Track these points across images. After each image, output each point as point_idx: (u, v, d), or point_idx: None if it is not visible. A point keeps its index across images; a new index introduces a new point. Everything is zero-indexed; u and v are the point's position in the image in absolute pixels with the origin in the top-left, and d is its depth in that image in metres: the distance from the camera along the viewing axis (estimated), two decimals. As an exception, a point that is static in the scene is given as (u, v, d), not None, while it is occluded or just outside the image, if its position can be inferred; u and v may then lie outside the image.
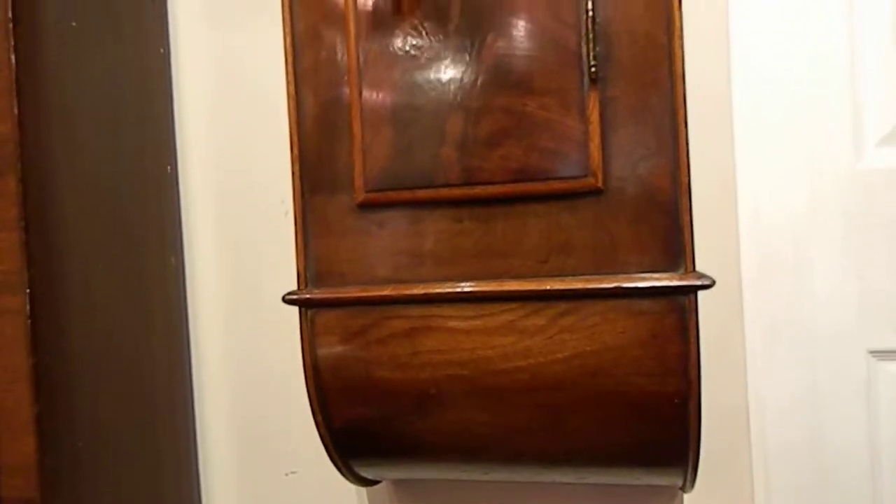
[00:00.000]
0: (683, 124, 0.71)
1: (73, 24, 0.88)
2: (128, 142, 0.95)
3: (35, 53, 0.82)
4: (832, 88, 0.94)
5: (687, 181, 0.71)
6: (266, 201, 0.93)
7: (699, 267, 0.73)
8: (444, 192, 0.75)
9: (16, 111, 0.79)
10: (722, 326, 0.94)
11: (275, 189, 0.91)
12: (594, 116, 0.71)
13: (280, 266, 0.90)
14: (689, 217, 0.72)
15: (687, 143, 0.71)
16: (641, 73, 0.71)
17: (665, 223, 0.72)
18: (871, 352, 0.93)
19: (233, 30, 0.92)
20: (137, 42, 0.98)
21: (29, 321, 0.80)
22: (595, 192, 0.72)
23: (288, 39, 0.79)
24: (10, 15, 0.79)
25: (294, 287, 0.81)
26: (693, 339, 0.71)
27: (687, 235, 0.72)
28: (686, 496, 0.93)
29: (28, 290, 0.80)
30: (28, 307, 0.80)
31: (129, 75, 0.95)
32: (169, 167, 1.01)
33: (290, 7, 0.79)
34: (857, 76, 0.94)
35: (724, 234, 0.94)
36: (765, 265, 0.95)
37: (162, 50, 1.02)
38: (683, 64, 0.71)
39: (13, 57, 0.79)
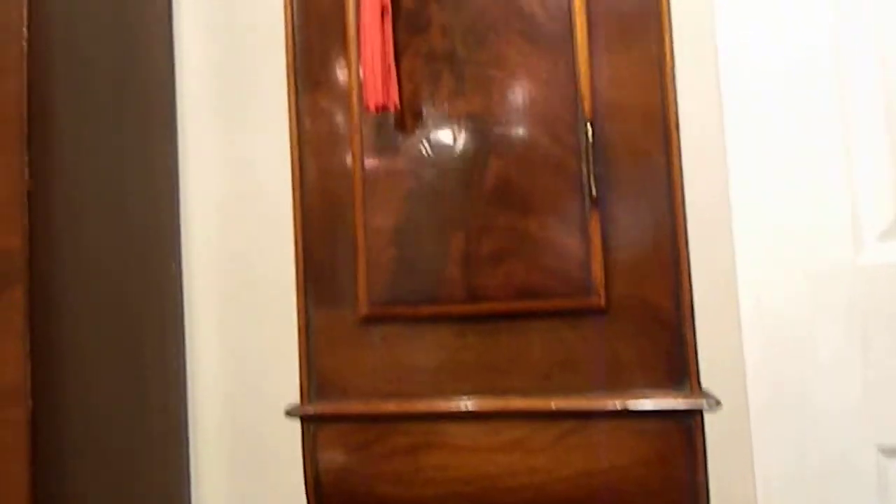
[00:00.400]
0: (684, 243, 0.72)
1: (87, 132, 0.90)
2: (135, 243, 0.96)
3: (49, 166, 0.84)
4: (829, 186, 0.95)
5: (689, 300, 0.72)
6: (270, 304, 0.93)
7: (703, 369, 0.72)
8: (448, 309, 0.75)
9: (26, 224, 0.81)
10: (728, 426, 0.93)
11: (279, 292, 0.91)
12: (595, 236, 0.72)
13: (283, 368, 0.90)
14: (692, 335, 0.72)
15: (688, 262, 0.72)
16: (641, 193, 0.72)
17: (669, 341, 0.72)
18: (882, 449, 0.92)
19: (241, 134, 0.94)
20: (146, 144, 1.00)
21: (30, 432, 0.80)
22: (598, 311, 0.72)
23: (295, 150, 0.81)
24: (25, 129, 0.82)
25: (296, 389, 0.80)
26: (700, 462, 0.70)
27: (691, 353, 0.72)
28: None
29: (31, 402, 0.80)
30: (30, 419, 0.79)
31: (137, 177, 0.97)
32: (174, 264, 1.02)
33: (298, 118, 0.81)
34: (853, 172, 0.95)
35: (728, 333, 0.93)
36: (769, 364, 0.95)
37: (170, 151, 1.04)
38: (682, 183, 0.72)
39: (27, 171, 0.82)
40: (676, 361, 0.72)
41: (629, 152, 0.73)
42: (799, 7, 0.94)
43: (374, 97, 0.71)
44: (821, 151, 0.96)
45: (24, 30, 0.82)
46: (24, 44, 0.82)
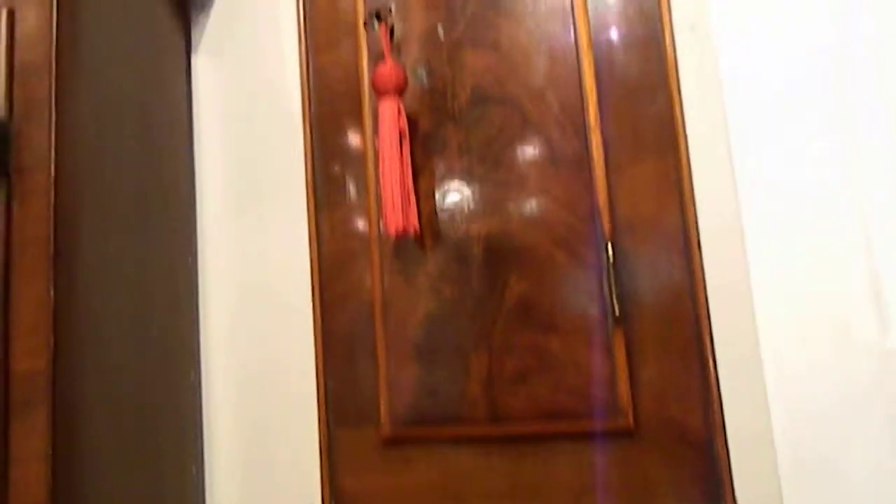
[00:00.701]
0: (711, 360, 0.70)
1: (110, 243, 0.91)
2: (155, 354, 0.95)
3: (74, 286, 0.84)
4: (852, 275, 0.93)
5: (720, 418, 0.70)
6: (290, 419, 0.91)
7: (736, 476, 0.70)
8: (472, 430, 0.74)
9: (52, 346, 0.81)
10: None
11: (300, 408, 0.89)
12: (620, 355, 0.71)
13: (303, 486, 0.88)
14: (726, 455, 0.70)
15: (717, 379, 0.70)
16: (665, 311, 0.72)
17: (701, 462, 0.70)
18: (927, 548, 0.88)
19: (260, 250, 0.95)
20: (167, 257, 1.00)
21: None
22: (626, 432, 0.71)
23: (315, 267, 0.82)
24: (51, 251, 0.83)
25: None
26: (740, 593, 0.67)
27: (725, 474, 0.69)
28: None
29: (50, 528, 0.79)
30: (49, 546, 0.78)
31: (158, 290, 0.97)
32: (193, 372, 1.02)
33: (318, 235, 0.82)
34: (875, 260, 0.93)
35: (758, 439, 0.90)
36: (803, 465, 0.92)
37: (189, 259, 1.05)
38: (707, 298, 0.72)
39: (52, 292, 0.82)
40: (710, 483, 0.69)
41: (650, 269, 0.72)
42: (816, 103, 0.94)
43: (394, 223, 0.72)
44: (842, 240, 0.95)
45: (52, 154, 0.84)
46: (52, 168, 0.84)
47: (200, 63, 1.09)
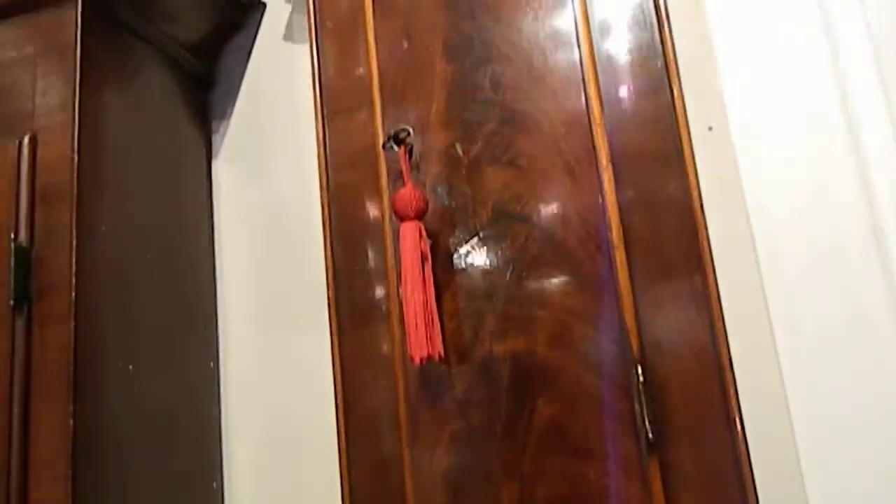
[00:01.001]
0: (752, 488, 0.68)
1: (130, 367, 0.90)
2: (178, 484, 0.93)
3: (94, 413, 0.83)
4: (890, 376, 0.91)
5: (765, 552, 0.67)
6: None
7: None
8: (507, 564, 0.71)
9: (71, 477, 0.79)
10: None
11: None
12: (656, 483, 0.69)
13: None
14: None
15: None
16: (700, 434, 0.69)
17: (746, 592, 0.67)
18: None
19: (284, 364, 0.95)
20: (190, 379, 0.99)
21: None
22: (666, 565, 0.68)
23: (339, 391, 0.81)
24: (72, 378, 0.82)
25: None
26: None
27: None
28: None
29: None
30: None
31: (180, 413, 0.96)
32: (215, 483, 1.00)
33: (342, 356, 0.81)
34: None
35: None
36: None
37: (212, 364, 1.04)
38: (742, 420, 0.69)
39: (72, 420, 0.81)
40: None
41: (683, 389, 0.71)
42: (840, 205, 0.93)
43: (418, 350, 0.71)
44: (875, 342, 0.92)
45: (73, 279, 0.84)
46: (73, 293, 0.84)
47: (221, 169, 1.10)
